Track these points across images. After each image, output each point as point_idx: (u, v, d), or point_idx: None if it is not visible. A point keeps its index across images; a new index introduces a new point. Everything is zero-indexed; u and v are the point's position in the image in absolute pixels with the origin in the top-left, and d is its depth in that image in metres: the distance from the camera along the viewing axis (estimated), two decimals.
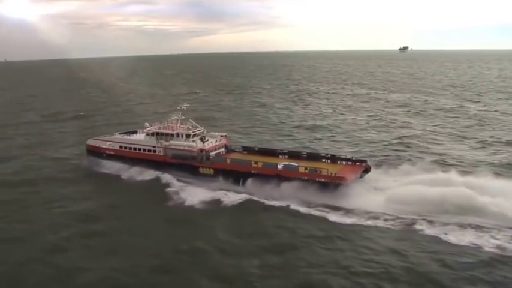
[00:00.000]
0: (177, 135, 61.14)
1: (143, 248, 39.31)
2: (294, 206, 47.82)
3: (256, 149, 64.45)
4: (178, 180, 57.12)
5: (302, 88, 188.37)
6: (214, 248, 38.84)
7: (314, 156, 59.84)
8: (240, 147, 65.56)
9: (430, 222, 42.51)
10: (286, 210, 47.49)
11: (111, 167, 63.27)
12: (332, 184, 49.45)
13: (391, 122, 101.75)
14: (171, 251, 38.83)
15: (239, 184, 53.73)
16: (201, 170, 57.48)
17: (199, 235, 41.92)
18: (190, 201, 50.08)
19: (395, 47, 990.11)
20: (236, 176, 54.29)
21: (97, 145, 66.61)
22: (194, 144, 59.24)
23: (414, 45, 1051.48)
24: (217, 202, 50.22)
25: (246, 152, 63.62)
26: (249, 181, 53.12)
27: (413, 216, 43.68)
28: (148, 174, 59.94)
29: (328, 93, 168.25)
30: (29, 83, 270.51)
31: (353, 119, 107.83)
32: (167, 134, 61.51)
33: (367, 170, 54.86)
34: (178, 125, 63.09)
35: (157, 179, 58.28)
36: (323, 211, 46.45)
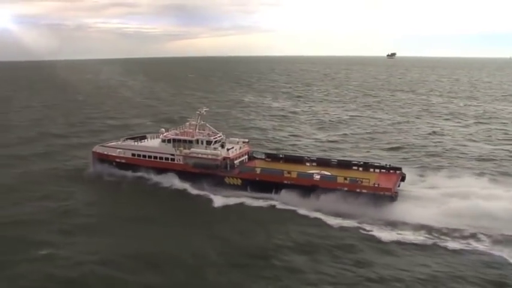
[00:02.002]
0: (197, 141, 56.78)
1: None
2: (338, 220, 44.28)
3: (281, 155, 60.97)
4: (201, 190, 52.76)
5: (398, 98, 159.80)
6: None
7: (345, 164, 56.60)
8: (262, 154, 62.18)
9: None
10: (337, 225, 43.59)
11: (122, 176, 57.66)
12: (377, 196, 46.38)
13: None
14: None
15: (271, 196, 50.24)
16: (226, 180, 53.54)
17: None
18: (219, 212, 47.45)
19: (381, 53, 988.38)
20: (267, 186, 50.76)
21: (105, 152, 61.23)
22: (218, 152, 55.30)
23: (400, 52, 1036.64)
24: (247, 214, 46.93)
25: (269, 160, 60.01)
26: (283, 192, 49.77)
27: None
28: (166, 184, 55.06)
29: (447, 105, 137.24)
30: (47, 86, 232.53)
31: None
32: (185, 141, 56.97)
33: (403, 179, 51.86)
34: (197, 130, 58.34)
35: (176, 190, 53.68)
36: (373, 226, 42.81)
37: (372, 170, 54.35)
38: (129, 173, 57.57)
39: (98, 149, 62.66)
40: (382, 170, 53.69)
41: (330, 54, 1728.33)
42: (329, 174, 51.98)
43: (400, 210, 44.68)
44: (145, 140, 62.54)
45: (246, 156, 59.29)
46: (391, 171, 53.30)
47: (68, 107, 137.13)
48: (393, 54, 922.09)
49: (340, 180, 49.01)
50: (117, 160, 59.76)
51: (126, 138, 63.68)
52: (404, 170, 53.79)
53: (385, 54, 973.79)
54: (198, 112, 58.73)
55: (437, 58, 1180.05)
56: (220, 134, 58.69)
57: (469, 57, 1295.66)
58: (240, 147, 58.35)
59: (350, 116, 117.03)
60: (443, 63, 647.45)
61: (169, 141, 57.48)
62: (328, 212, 45.24)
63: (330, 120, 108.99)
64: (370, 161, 59.48)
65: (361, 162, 56.41)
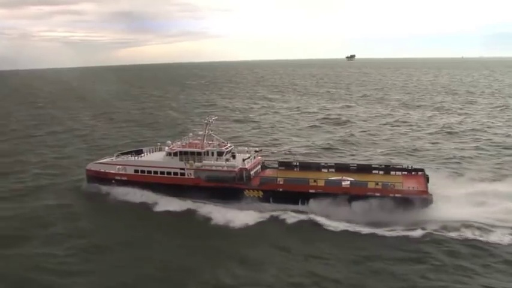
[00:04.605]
0: (207, 153, 52.48)
1: None
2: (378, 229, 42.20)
3: (295, 163, 57.64)
4: (217, 206, 48.85)
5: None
6: None
7: (364, 168, 54.58)
8: (276, 162, 58.96)
9: None
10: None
11: (124, 195, 52.59)
12: (414, 199, 44.51)
13: None
14: None
15: (298, 207, 47.51)
16: (246, 192, 50.01)
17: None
18: (245, 231, 43.46)
19: (339, 55, 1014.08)
20: (293, 197, 47.95)
21: (102, 170, 56.18)
22: (235, 163, 51.54)
23: (356, 54, 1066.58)
24: (276, 231, 43.50)
25: (283, 168, 56.53)
26: (312, 202, 47.15)
27: None
28: (177, 201, 50.31)
29: None
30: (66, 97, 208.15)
31: None
32: (194, 153, 52.53)
33: (427, 180, 49.78)
34: (205, 141, 53.98)
35: (189, 207, 49.26)
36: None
37: (393, 172, 52.62)
38: (132, 191, 52.63)
39: (92, 166, 57.47)
40: (404, 172, 52.22)
41: (287, 58, 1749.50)
42: (353, 179, 49.80)
43: (438, 212, 43.67)
44: (143, 154, 57.66)
45: (260, 166, 56.17)
46: (413, 172, 51.93)
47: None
48: (352, 56, 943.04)
49: (371, 185, 47.00)
50: (117, 178, 54.84)
51: (120, 154, 58.85)
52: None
53: (343, 57, 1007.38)
54: (205, 121, 54.46)
55: (396, 59, 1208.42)
56: (229, 144, 55.17)
57: (426, 58, 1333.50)
58: (254, 157, 55.14)
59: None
60: (413, 64, 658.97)
61: (175, 154, 52.77)
62: (362, 221, 43.18)
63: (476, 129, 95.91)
64: (391, 163, 58.35)
65: (382, 166, 55.04)
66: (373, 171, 53.51)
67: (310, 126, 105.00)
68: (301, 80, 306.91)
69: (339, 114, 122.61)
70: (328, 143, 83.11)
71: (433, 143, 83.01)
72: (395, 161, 68.60)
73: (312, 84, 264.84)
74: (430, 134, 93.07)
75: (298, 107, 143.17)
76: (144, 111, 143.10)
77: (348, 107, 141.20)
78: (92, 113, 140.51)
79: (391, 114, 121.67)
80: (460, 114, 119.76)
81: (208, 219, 46.67)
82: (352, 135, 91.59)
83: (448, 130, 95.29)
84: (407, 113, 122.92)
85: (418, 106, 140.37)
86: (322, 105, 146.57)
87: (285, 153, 75.17)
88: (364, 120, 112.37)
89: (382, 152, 76.75)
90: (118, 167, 55.53)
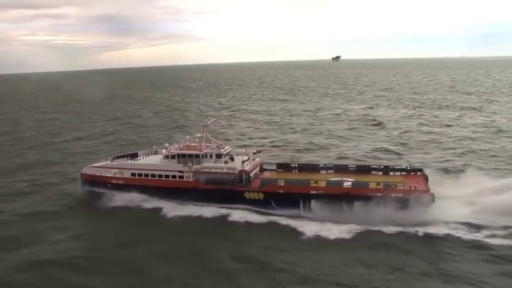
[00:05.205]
0: (205, 155, 51.49)
1: None
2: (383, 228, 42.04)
3: (294, 165, 56.80)
4: (217, 209, 47.64)
5: None
6: None
7: (364, 169, 54.36)
8: (274, 164, 57.94)
9: None
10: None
11: (120, 199, 51.04)
12: (416, 199, 43.95)
13: None
14: None
15: (299, 208, 46.71)
16: (246, 195, 49.21)
17: None
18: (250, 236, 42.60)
19: (325, 56, 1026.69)
20: (294, 199, 46.94)
21: (98, 174, 54.59)
22: (234, 165, 50.70)
23: (342, 55, 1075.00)
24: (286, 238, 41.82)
25: (281, 170, 55.70)
26: (313, 204, 46.19)
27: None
28: (177, 205, 48.93)
29: None
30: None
31: None
32: (192, 156, 51.09)
33: (426, 180, 49.47)
34: (203, 143, 52.83)
35: (189, 210, 47.68)
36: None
37: (392, 173, 52.45)
38: (129, 196, 50.90)
39: (87, 170, 55.67)
40: (403, 173, 52.03)
41: (273, 60, 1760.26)
42: (353, 180, 49.28)
43: (441, 211, 43.51)
44: (139, 157, 56.30)
45: (258, 168, 55.06)
46: (412, 173, 51.81)
47: None
48: (338, 57, 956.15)
49: (372, 185, 46.63)
50: (113, 182, 53.35)
51: (114, 157, 57.59)
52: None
53: (328, 58, 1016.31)
54: (203, 123, 53.67)
55: (382, 60, 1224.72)
56: (227, 146, 54.57)
57: (410, 58, 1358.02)
58: (254, 159, 54.19)
59: None
60: (404, 64, 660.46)
61: (173, 156, 51.72)
62: (366, 221, 42.81)
63: None
64: (390, 164, 58.19)
65: (381, 166, 54.65)
66: (373, 172, 53.26)
67: (348, 128, 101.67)
68: (301, 82, 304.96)
69: (365, 115, 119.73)
70: (382, 146, 79.74)
71: (487, 143, 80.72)
72: (459, 162, 66.28)
73: (316, 85, 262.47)
74: (474, 132, 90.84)
75: (318, 109, 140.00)
76: (160, 115, 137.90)
77: (370, 108, 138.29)
78: (104, 118, 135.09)
79: (420, 115, 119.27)
80: (488, 113, 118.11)
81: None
82: (399, 136, 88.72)
83: (492, 129, 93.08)
84: (435, 113, 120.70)
85: (439, 106, 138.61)
86: (342, 107, 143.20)
87: (337, 158, 71.94)
88: (396, 121, 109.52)
89: (441, 154, 73.82)
90: (114, 170, 54.21)
